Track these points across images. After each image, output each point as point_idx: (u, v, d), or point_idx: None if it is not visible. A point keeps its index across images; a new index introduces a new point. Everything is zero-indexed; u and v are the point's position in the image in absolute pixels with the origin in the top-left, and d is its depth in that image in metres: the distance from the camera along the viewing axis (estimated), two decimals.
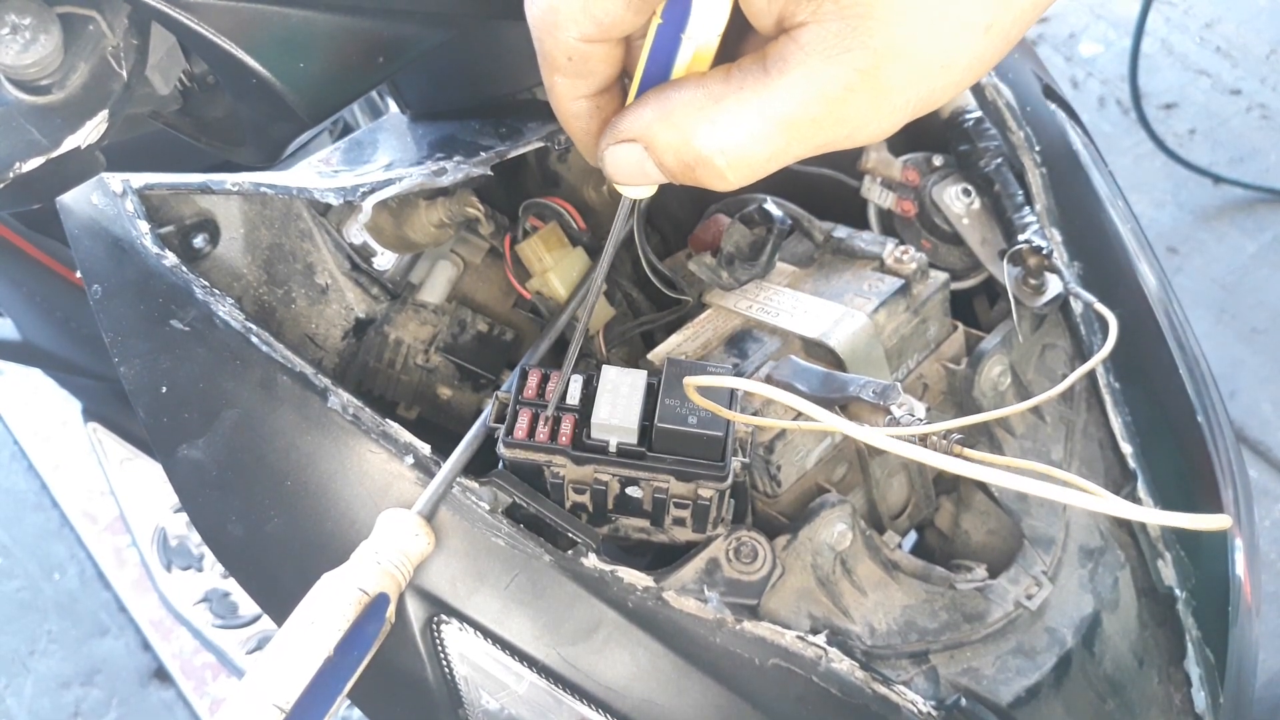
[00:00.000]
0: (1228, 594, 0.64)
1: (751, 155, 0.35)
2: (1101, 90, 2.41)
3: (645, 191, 0.41)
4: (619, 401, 0.49)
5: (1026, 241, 0.64)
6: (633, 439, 0.49)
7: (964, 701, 0.53)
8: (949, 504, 0.66)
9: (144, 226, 0.53)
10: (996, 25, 0.33)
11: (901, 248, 0.63)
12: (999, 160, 0.68)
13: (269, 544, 0.51)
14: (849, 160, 0.72)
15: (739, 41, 0.37)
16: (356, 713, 0.72)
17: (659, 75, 0.37)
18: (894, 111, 0.34)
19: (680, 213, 0.74)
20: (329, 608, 0.44)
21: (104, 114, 0.49)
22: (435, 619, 0.50)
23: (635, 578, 0.50)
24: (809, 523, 0.54)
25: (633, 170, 0.38)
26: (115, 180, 0.54)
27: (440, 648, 0.50)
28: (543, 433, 0.50)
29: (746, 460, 0.51)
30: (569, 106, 0.39)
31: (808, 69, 0.33)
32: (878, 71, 0.32)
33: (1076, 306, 0.66)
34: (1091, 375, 0.66)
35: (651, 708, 0.50)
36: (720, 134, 0.35)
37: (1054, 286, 0.64)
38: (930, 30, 0.32)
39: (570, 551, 0.51)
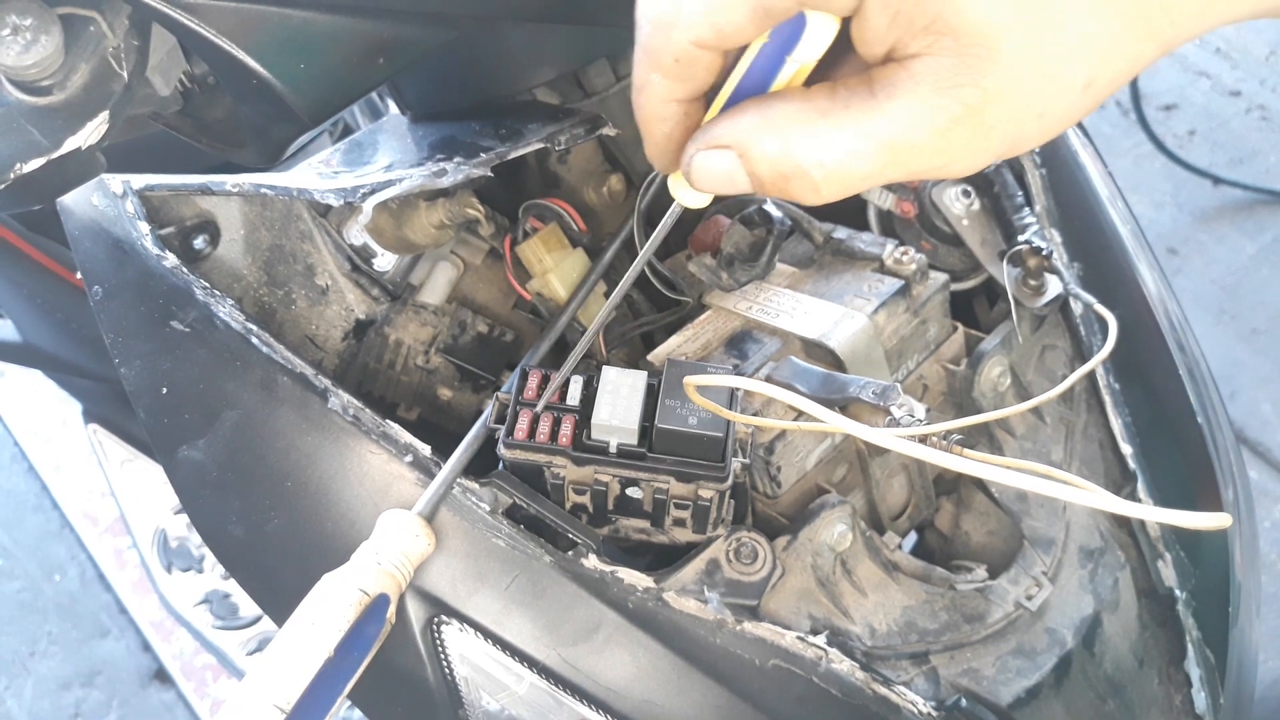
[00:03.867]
0: (1228, 594, 0.64)
1: (849, 172, 0.35)
2: None
3: (704, 200, 0.41)
4: (619, 402, 0.49)
5: (1026, 242, 0.64)
6: (633, 440, 0.49)
7: (964, 702, 0.53)
8: (949, 505, 0.66)
9: (144, 228, 0.53)
10: (1095, 84, 0.34)
11: (901, 249, 0.63)
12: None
13: (269, 545, 0.51)
14: None
15: (831, 65, 0.38)
16: (357, 713, 0.72)
17: (754, 90, 0.37)
18: (989, 149, 0.35)
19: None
20: (329, 608, 0.44)
21: (105, 115, 0.49)
22: (435, 620, 0.50)
23: (635, 578, 0.50)
24: (809, 523, 0.54)
25: (718, 177, 0.38)
26: (116, 181, 0.54)
27: (440, 648, 0.50)
28: (543, 433, 0.50)
29: (746, 461, 0.51)
30: (659, 109, 0.39)
31: (917, 97, 0.34)
32: (983, 109, 0.33)
33: (1076, 307, 0.66)
34: (1091, 376, 0.66)
35: (651, 708, 0.50)
36: (822, 148, 0.35)
37: (1054, 287, 0.64)
38: (1038, 79, 0.33)
39: (570, 552, 0.51)
